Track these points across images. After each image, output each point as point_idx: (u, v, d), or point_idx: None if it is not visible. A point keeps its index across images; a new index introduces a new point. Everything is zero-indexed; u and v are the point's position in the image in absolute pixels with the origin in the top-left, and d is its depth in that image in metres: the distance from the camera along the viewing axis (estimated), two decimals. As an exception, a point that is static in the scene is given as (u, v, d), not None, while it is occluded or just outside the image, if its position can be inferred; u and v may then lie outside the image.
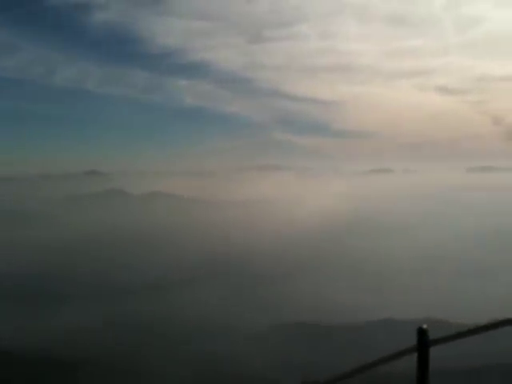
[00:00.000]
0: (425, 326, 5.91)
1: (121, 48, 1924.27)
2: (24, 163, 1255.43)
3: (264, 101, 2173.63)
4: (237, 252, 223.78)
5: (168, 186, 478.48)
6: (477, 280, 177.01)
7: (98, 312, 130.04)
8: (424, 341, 5.83)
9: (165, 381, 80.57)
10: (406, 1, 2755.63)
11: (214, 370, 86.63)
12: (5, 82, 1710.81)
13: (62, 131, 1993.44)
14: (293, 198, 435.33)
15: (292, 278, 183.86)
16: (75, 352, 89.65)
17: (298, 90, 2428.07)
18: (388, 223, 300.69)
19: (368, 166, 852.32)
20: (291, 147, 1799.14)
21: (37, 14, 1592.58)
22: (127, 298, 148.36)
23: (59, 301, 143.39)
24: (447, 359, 78.31)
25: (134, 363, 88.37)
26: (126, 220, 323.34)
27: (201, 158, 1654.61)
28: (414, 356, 6.49)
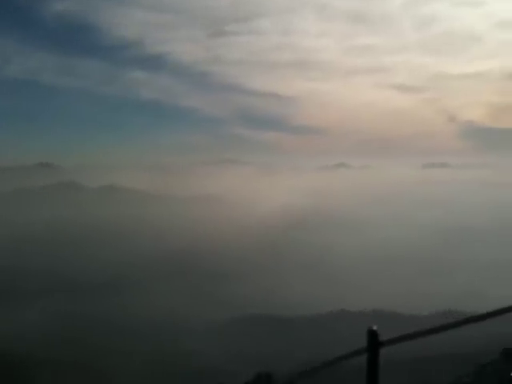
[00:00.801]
0: (375, 328, 5.66)
1: (78, 38, 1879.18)
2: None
3: (223, 95, 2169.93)
4: (193, 247, 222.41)
5: (124, 179, 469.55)
6: (429, 273, 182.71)
7: (50, 310, 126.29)
8: (374, 342, 5.60)
9: (122, 377, 79.15)
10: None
11: (173, 365, 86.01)
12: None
13: (15, 123, 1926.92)
14: (250, 193, 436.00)
15: (247, 272, 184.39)
16: (25, 348, 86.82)
17: (257, 85, 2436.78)
18: (344, 218, 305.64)
19: (326, 162, 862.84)
20: (250, 142, 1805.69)
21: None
22: (81, 296, 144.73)
23: (9, 297, 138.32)
24: (396, 349, 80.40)
25: (89, 360, 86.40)
26: (80, 213, 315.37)
27: (158, 151, 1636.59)
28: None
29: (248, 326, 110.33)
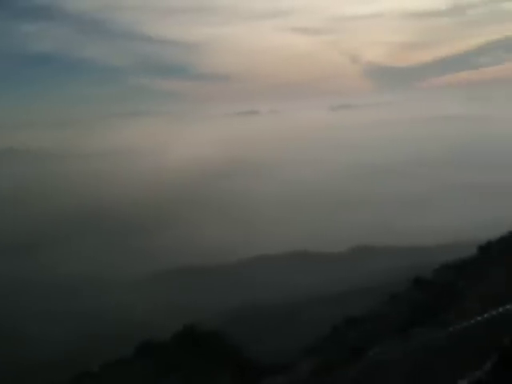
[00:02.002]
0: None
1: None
2: None
3: (121, 44, 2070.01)
4: (107, 204, 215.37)
5: (24, 140, 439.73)
6: (341, 210, 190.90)
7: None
8: None
9: (41, 338, 76.56)
10: None
11: (98, 319, 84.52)
12: None
13: None
14: (160, 144, 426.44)
15: (164, 225, 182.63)
16: None
17: (155, 32, 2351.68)
18: (257, 164, 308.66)
19: (234, 109, 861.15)
20: (153, 92, 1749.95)
21: None
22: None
23: None
24: (316, 287, 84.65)
25: (8, 324, 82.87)
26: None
27: (60, 108, 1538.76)
28: None
29: (172, 279, 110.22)
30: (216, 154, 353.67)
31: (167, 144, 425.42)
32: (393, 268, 79.62)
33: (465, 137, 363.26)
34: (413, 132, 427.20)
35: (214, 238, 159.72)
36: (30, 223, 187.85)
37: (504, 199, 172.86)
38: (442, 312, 26.20)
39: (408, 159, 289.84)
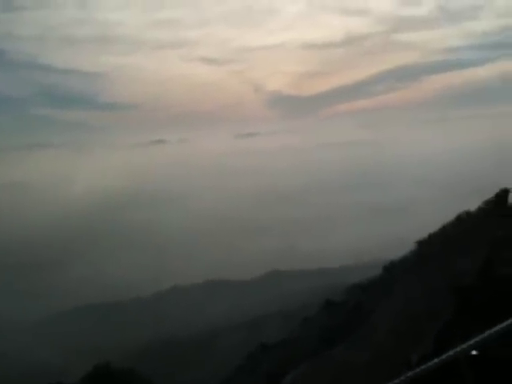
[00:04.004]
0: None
1: None
2: None
3: (22, 74, 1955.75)
4: (2, 242, 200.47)
5: None
6: (252, 237, 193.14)
7: None
8: None
9: None
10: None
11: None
12: None
13: None
14: (63, 176, 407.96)
15: (70, 260, 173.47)
16: None
17: (57, 62, 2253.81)
18: (165, 193, 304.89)
19: (142, 138, 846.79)
20: (57, 123, 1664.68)
21: None
22: None
23: None
24: (231, 315, 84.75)
25: None
26: None
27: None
28: None
29: (81, 318, 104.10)
30: (123, 184, 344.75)
31: (71, 176, 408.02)
32: (304, 291, 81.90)
33: (362, 160, 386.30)
34: (314, 158, 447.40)
35: (125, 272, 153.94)
36: None
37: (398, 219, 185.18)
38: (352, 330, 27.58)
39: (310, 183, 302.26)
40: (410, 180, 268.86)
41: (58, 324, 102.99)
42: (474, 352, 3.05)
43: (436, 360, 3.02)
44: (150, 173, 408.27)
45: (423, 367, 2.97)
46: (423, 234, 36.15)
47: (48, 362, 79.80)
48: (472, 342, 3.10)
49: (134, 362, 67.22)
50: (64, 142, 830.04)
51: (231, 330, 67.15)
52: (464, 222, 31.16)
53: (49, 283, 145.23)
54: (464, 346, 3.07)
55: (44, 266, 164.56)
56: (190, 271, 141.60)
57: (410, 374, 3.03)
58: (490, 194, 29.93)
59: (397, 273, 34.45)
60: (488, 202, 29.81)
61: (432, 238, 34.19)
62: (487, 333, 3.15)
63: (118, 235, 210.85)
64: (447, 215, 34.61)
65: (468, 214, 32.17)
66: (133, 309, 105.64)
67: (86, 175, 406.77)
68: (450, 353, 3.04)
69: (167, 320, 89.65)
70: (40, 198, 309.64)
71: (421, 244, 35.22)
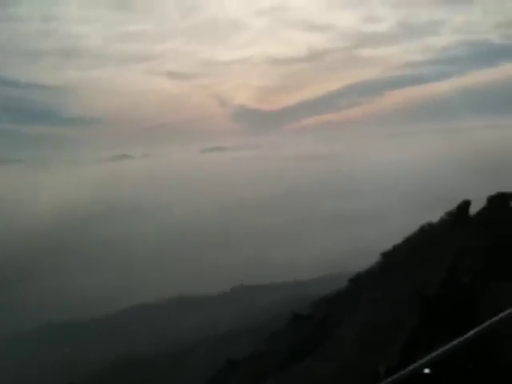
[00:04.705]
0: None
1: None
2: None
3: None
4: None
5: None
6: (219, 251, 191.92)
7: None
8: None
9: None
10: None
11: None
12: None
13: None
14: (23, 193, 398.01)
15: (31, 278, 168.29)
16: None
17: (19, 76, 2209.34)
18: (130, 208, 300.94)
19: (106, 153, 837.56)
20: (18, 138, 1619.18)
21: None
22: None
23: None
24: (199, 331, 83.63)
25: None
26: None
27: None
28: None
29: (43, 336, 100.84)
30: (86, 199, 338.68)
31: (33, 191, 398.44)
32: (272, 305, 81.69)
33: (324, 173, 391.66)
34: (281, 171, 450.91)
35: (89, 289, 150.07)
36: None
37: (367, 229, 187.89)
38: (319, 343, 27.59)
39: (277, 196, 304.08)
40: (374, 191, 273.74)
41: (19, 344, 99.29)
42: (437, 363, 3.02)
43: (402, 372, 2.96)
44: (113, 188, 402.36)
45: (389, 380, 2.91)
46: (390, 244, 36.83)
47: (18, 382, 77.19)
48: (439, 351, 3.07)
49: (99, 381, 65.63)
50: (25, 157, 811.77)
51: (198, 347, 66.15)
52: (427, 233, 31.81)
53: (8, 302, 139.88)
54: (429, 356, 3.03)
55: (2, 285, 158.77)
56: (156, 287, 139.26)
57: None
58: (448, 201, 30.75)
59: (362, 284, 34.79)
60: (450, 214, 30.58)
61: (396, 249, 34.79)
62: (451, 344, 3.13)
63: (82, 252, 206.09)
64: (414, 224, 35.41)
65: (430, 225, 32.91)
66: (97, 327, 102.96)
67: (49, 191, 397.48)
68: (416, 364, 2.99)
69: (133, 337, 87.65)
70: (1, 215, 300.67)
71: (385, 255, 35.76)
